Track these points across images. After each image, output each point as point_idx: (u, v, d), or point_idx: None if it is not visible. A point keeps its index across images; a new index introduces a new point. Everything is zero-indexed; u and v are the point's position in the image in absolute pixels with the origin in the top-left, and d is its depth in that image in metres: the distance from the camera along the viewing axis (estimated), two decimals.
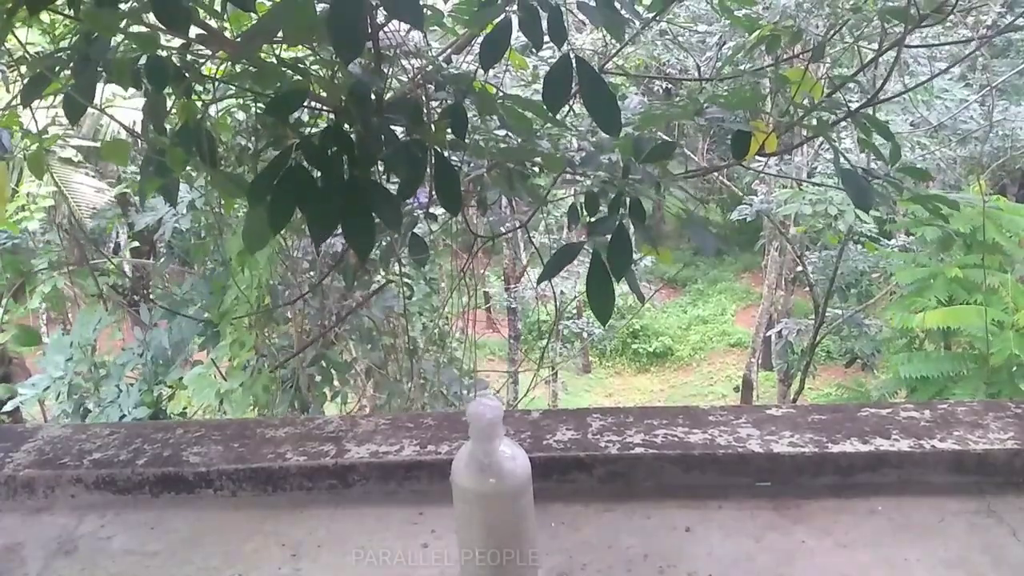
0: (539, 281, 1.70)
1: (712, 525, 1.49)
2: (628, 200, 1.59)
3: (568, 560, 1.41)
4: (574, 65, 1.40)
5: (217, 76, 1.81)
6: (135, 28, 1.54)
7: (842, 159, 1.72)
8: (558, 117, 1.66)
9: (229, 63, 1.76)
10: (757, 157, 1.95)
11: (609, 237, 1.48)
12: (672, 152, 1.73)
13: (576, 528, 1.50)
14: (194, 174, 1.83)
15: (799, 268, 10.78)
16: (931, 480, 1.57)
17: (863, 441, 1.60)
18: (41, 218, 4.76)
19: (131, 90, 1.72)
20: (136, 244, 7.01)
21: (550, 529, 1.49)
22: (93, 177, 5.75)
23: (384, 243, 2.43)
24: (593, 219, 1.61)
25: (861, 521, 1.48)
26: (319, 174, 1.42)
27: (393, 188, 1.54)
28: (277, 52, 1.88)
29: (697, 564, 1.39)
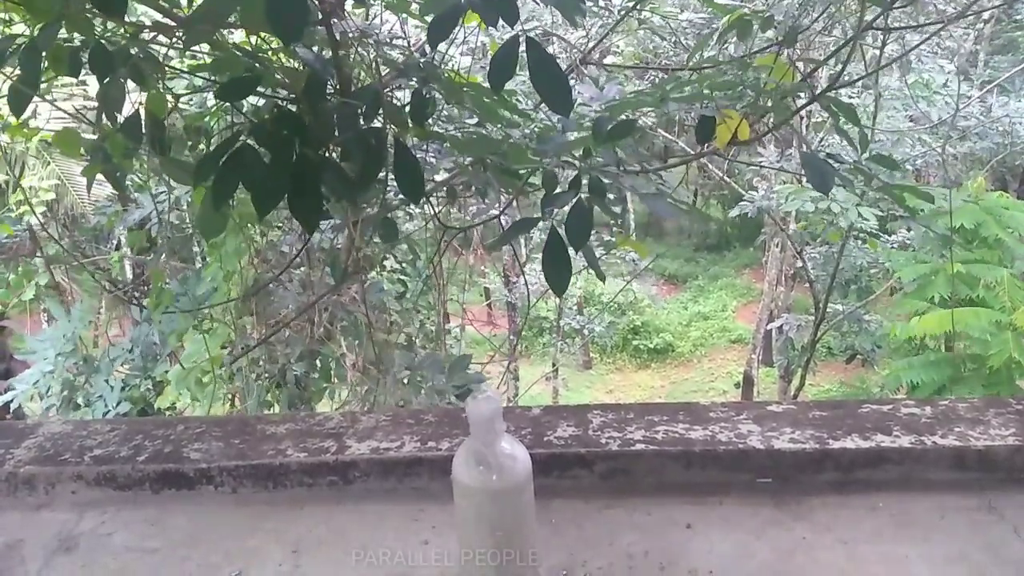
0: (490, 248, 1.70)
1: (713, 521, 1.49)
2: (588, 180, 1.58)
3: (569, 557, 1.41)
4: (523, 45, 1.40)
5: (177, 65, 1.80)
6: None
7: (809, 144, 1.73)
8: (531, 108, 1.65)
9: (189, 50, 1.75)
10: (761, 146, 1.95)
11: (567, 210, 1.47)
12: (631, 130, 1.72)
13: (577, 525, 1.50)
14: (142, 160, 1.84)
15: (799, 264, 10.78)
16: (932, 476, 1.57)
17: (864, 437, 1.60)
18: (42, 211, 4.75)
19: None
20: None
21: (551, 525, 1.49)
22: None
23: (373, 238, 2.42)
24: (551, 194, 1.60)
25: (862, 517, 1.48)
26: (268, 156, 1.42)
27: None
28: (251, 40, 1.87)
29: (698, 560, 1.39)
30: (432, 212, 2.45)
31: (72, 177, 5.58)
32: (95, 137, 1.85)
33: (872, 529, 1.45)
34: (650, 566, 1.38)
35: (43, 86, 1.70)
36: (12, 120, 2.55)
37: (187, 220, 3.65)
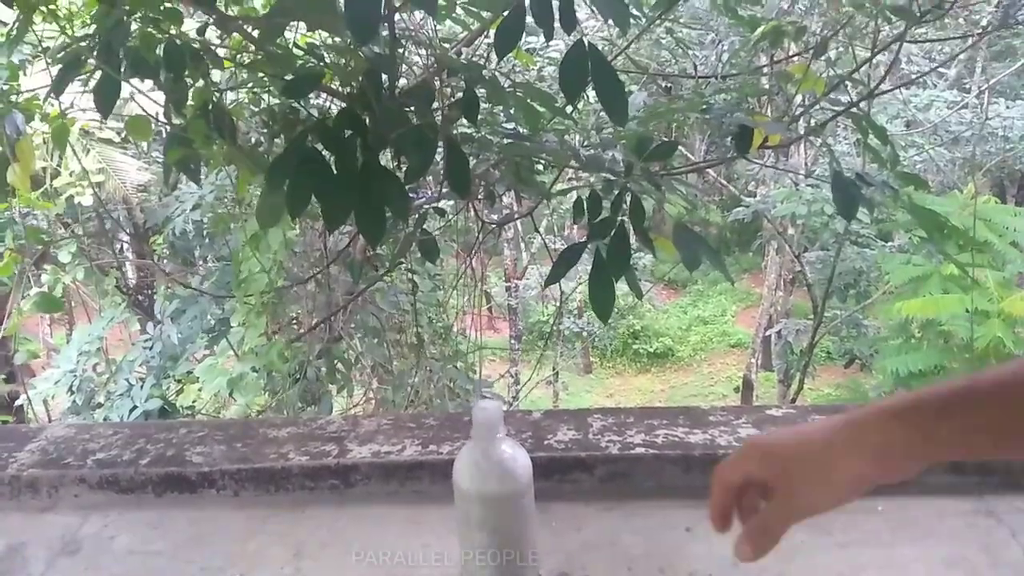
0: (547, 283, 1.71)
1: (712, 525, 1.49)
2: (629, 200, 1.59)
3: (569, 559, 1.42)
4: (587, 51, 1.40)
5: (234, 61, 1.83)
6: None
7: (839, 163, 1.73)
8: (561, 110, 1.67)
9: (243, 48, 1.78)
10: (762, 151, 1.97)
11: (609, 237, 1.49)
12: (673, 152, 1.75)
13: (577, 528, 1.50)
14: (214, 147, 1.85)
15: (798, 268, 10.80)
16: (930, 480, 1.57)
17: None
18: (91, 193, 4.76)
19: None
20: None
21: (551, 528, 1.49)
22: (133, 156, 5.85)
23: (393, 238, 2.46)
24: (595, 220, 1.61)
25: (860, 520, 1.49)
26: (333, 159, 1.43)
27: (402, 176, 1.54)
28: (294, 38, 1.90)
29: (697, 563, 1.40)
30: (472, 210, 2.48)
31: (112, 161, 5.64)
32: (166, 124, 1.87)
33: (870, 532, 1.46)
34: (650, 569, 1.39)
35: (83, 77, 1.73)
36: (49, 110, 2.58)
37: (204, 219, 3.68)
